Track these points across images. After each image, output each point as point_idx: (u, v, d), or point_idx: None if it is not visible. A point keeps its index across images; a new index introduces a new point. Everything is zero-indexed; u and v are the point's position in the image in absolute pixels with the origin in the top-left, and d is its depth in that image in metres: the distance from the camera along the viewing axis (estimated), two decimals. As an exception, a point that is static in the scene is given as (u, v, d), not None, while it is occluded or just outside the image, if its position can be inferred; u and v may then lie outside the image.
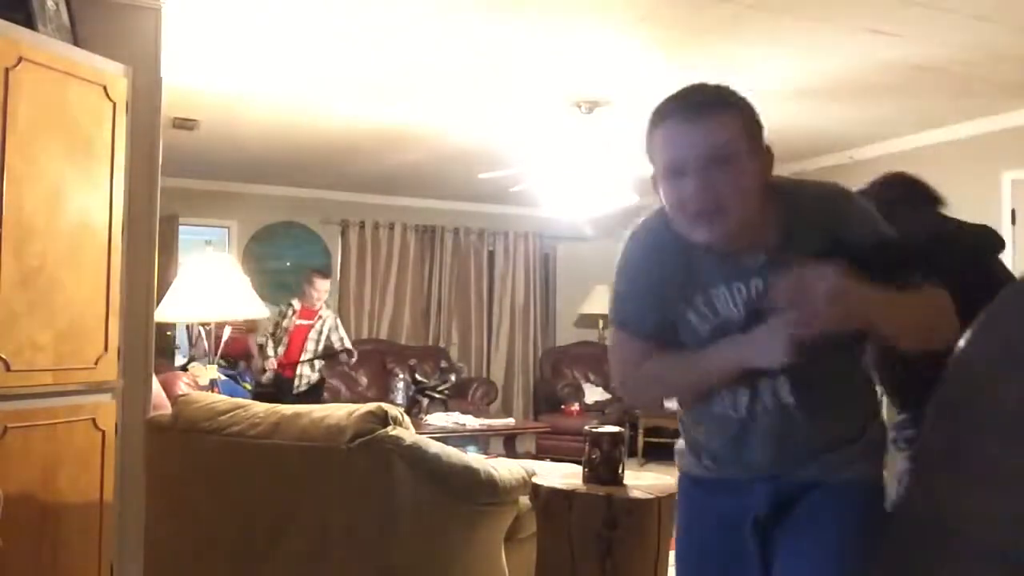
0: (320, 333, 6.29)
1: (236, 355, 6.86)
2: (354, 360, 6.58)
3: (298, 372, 6.23)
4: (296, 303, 6.40)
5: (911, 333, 1.43)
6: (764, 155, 1.45)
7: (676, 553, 1.72)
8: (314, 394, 6.25)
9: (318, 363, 6.32)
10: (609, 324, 1.62)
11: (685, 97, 1.43)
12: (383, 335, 8.12)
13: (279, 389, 6.12)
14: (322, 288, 6.37)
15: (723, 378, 1.50)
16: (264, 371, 6.39)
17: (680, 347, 1.56)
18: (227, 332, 5.22)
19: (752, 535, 1.57)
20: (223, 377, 5.58)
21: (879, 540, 1.48)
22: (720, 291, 1.50)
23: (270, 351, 6.31)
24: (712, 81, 1.46)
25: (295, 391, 6.17)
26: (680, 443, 1.72)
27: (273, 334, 6.41)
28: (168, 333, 6.86)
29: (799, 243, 1.44)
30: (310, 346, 6.26)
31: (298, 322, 6.31)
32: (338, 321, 6.48)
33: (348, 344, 6.46)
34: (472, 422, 6.20)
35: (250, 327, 6.89)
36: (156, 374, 3.48)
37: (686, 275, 1.51)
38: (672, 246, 1.50)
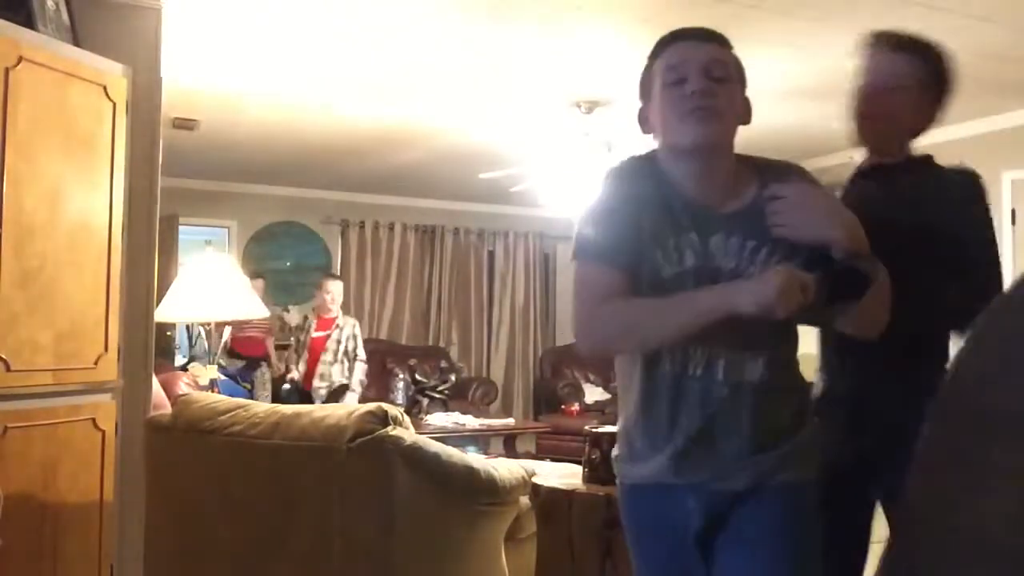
0: (339, 342, 6.03)
1: (254, 355, 6.79)
2: (363, 375, 6.19)
3: (315, 385, 5.99)
4: (311, 315, 6.23)
5: (865, 323, 1.51)
6: (746, 104, 1.55)
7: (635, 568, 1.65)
8: (334, 400, 5.96)
9: (339, 367, 6.04)
10: (577, 261, 1.53)
11: (691, 29, 1.55)
12: (383, 335, 8.13)
13: (300, 403, 5.93)
14: (333, 289, 6.12)
15: (706, 322, 1.41)
16: (283, 379, 6.20)
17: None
18: (228, 331, 5.21)
19: (695, 548, 1.54)
20: (223, 377, 5.58)
21: (817, 544, 1.50)
22: (691, 238, 1.48)
23: (294, 365, 6.11)
24: None
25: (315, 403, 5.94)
26: (615, 450, 1.66)
27: (296, 347, 6.20)
28: (168, 333, 6.86)
29: (763, 213, 1.49)
30: (327, 357, 6.01)
31: (315, 334, 6.09)
32: (358, 329, 6.20)
33: (362, 354, 6.16)
34: (472, 422, 6.20)
35: (269, 328, 6.86)
36: (156, 374, 3.48)
37: (662, 215, 1.49)
38: (651, 186, 1.51)
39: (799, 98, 4.72)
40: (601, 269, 1.49)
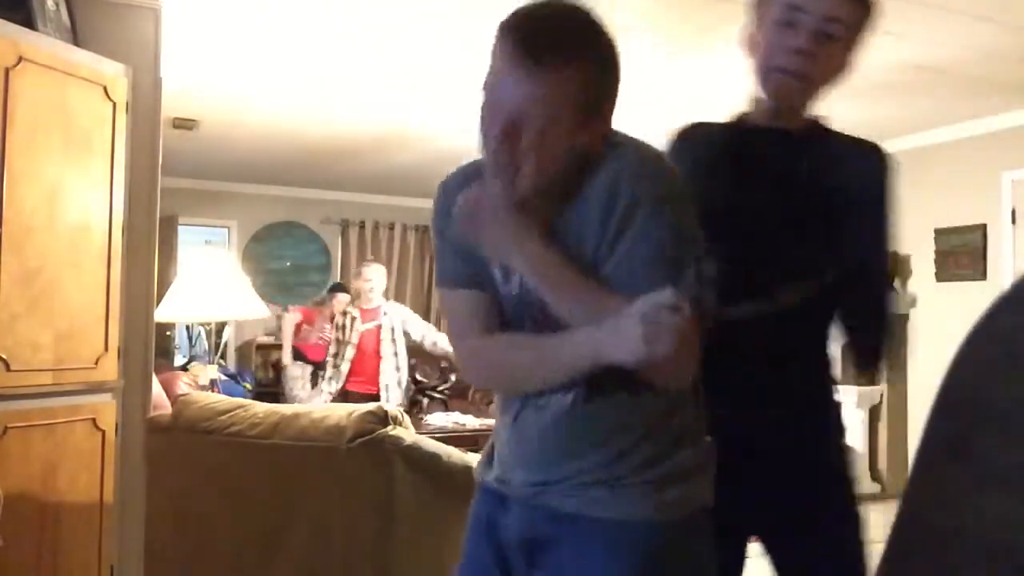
0: (393, 331, 5.10)
1: (318, 360, 6.41)
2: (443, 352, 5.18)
3: (383, 383, 5.07)
4: (353, 309, 5.26)
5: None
6: (599, 125, 1.18)
7: None
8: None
9: (403, 368, 5.22)
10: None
11: (533, 36, 1.14)
12: (383, 335, 8.12)
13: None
14: (372, 276, 5.23)
15: (575, 373, 1.16)
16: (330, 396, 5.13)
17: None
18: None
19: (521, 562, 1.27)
20: (223, 377, 5.58)
21: None
22: None
23: (329, 382, 5.14)
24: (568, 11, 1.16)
25: None
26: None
27: (335, 356, 5.20)
28: (168, 333, 6.86)
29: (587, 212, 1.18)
30: (387, 349, 5.08)
31: (363, 327, 5.13)
32: (408, 312, 5.38)
33: (434, 335, 5.21)
34: (472, 422, 6.20)
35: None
36: (156, 374, 3.48)
37: None
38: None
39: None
40: (452, 293, 1.31)
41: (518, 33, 1.14)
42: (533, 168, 1.14)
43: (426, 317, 8.44)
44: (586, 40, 1.14)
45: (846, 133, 1.54)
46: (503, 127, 1.13)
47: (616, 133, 1.22)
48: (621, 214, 1.14)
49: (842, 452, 1.53)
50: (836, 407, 1.55)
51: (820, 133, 1.53)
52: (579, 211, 1.18)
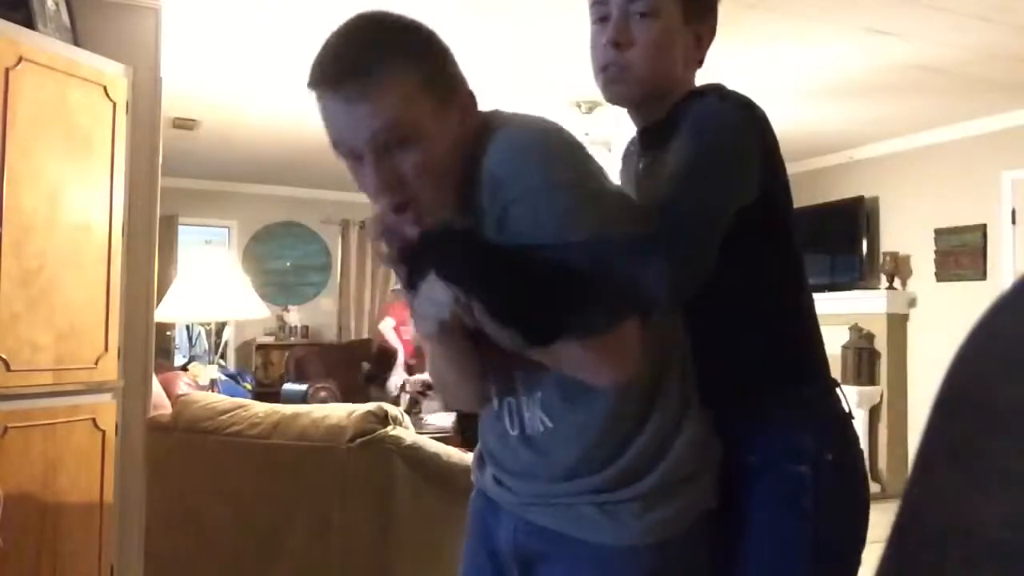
0: None
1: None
2: None
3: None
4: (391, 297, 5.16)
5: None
6: (456, 105, 1.08)
7: None
8: None
9: None
10: None
11: (334, 60, 1.06)
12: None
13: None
14: None
15: (451, 363, 1.14)
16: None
17: None
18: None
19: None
20: (223, 377, 5.58)
21: None
22: None
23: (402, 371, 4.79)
24: (369, 23, 1.12)
25: None
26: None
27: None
28: (168, 333, 6.87)
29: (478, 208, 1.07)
30: None
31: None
32: None
33: None
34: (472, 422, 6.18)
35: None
36: (156, 374, 3.48)
37: None
38: None
39: (799, 98, 4.72)
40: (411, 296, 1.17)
41: (315, 72, 1.05)
42: (432, 185, 1.04)
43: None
44: (383, 41, 1.07)
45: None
46: (375, 162, 1.01)
47: (493, 117, 1.10)
48: (501, 214, 1.03)
49: None
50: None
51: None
52: (473, 213, 1.08)
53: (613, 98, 1.30)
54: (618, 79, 1.26)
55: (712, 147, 1.13)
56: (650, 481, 1.09)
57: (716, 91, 1.23)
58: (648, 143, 1.30)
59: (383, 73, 1.02)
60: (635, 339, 1.04)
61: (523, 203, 1.02)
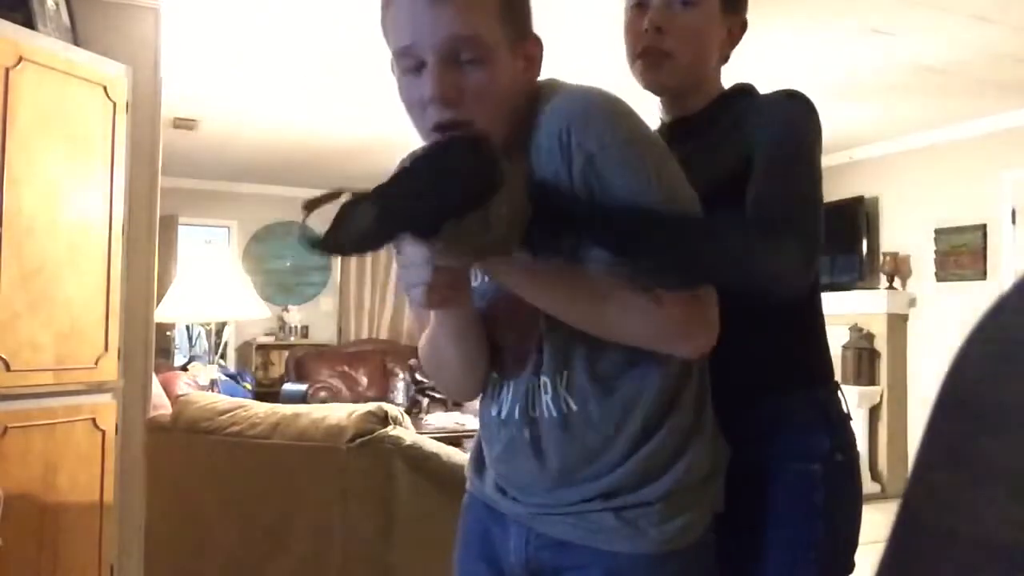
0: None
1: None
2: None
3: None
4: None
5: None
6: (529, 45, 1.07)
7: None
8: None
9: None
10: None
11: None
12: (383, 335, 8.12)
13: None
14: None
15: (446, 340, 1.10)
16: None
17: None
18: None
19: None
20: (223, 377, 5.59)
21: None
22: None
23: None
24: None
25: None
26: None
27: None
28: (168, 333, 6.87)
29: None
30: None
31: None
32: None
33: None
34: (472, 422, 6.20)
35: None
36: (156, 374, 3.48)
37: None
38: None
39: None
40: None
41: None
42: (489, 115, 0.99)
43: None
44: None
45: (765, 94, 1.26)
46: (440, 69, 0.97)
47: (550, 83, 1.09)
48: (582, 168, 0.98)
49: None
50: None
51: (718, 110, 1.28)
52: (532, 162, 1.02)
53: (650, 86, 1.27)
54: (656, 66, 1.24)
55: (804, 145, 1.17)
56: (667, 482, 1.06)
57: (784, 92, 1.24)
58: (682, 135, 1.27)
59: None
60: (716, 310, 1.02)
61: (610, 155, 0.98)
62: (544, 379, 1.08)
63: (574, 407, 1.07)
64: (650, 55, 1.23)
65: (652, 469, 1.06)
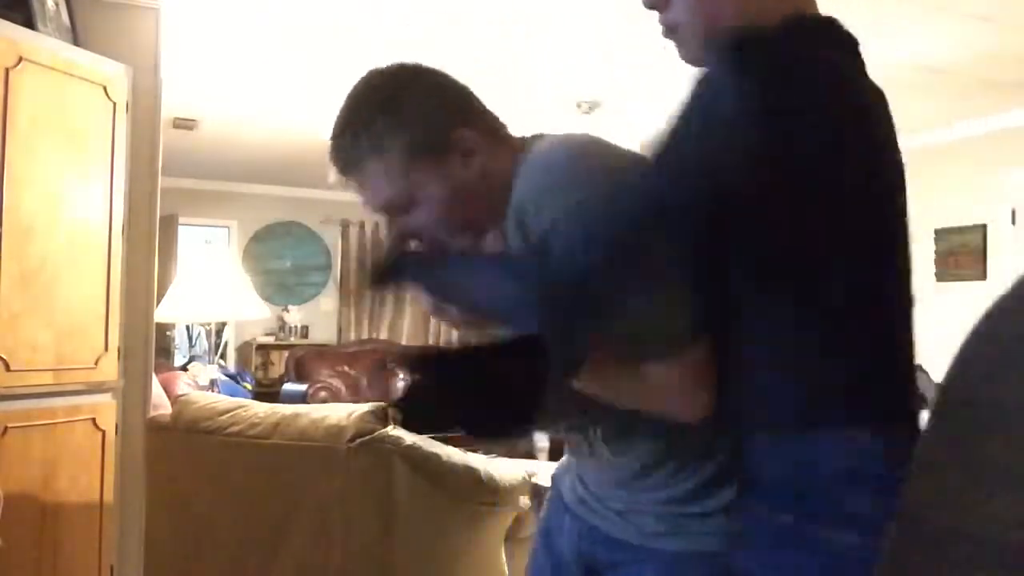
0: None
1: None
2: None
3: None
4: None
5: None
6: (455, 149, 1.10)
7: None
8: None
9: None
10: None
11: (335, 153, 1.18)
12: (383, 335, 8.12)
13: None
14: None
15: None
16: None
17: None
18: None
19: None
20: (223, 377, 5.59)
21: None
22: None
23: None
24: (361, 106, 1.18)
25: None
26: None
27: None
28: (168, 333, 6.87)
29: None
30: None
31: None
32: None
33: None
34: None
35: None
36: (156, 374, 3.48)
37: None
38: None
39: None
40: None
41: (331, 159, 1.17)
42: (451, 222, 1.10)
43: (425, 316, 8.44)
44: (363, 131, 1.13)
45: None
46: (389, 225, 1.14)
47: (534, 140, 1.15)
48: (538, 238, 0.99)
49: None
50: None
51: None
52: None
53: (685, 62, 1.10)
54: (676, 45, 1.09)
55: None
56: (726, 495, 1.04)
57: None
58: None
59: (369, 163, 1.11)
60: (708, 369, 0.97)
61: (555, 233, 0.97)
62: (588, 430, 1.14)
63: (611, 458, 1.12)
64: (665, 34, 1.10)
65: (699, 491, 1.06)
